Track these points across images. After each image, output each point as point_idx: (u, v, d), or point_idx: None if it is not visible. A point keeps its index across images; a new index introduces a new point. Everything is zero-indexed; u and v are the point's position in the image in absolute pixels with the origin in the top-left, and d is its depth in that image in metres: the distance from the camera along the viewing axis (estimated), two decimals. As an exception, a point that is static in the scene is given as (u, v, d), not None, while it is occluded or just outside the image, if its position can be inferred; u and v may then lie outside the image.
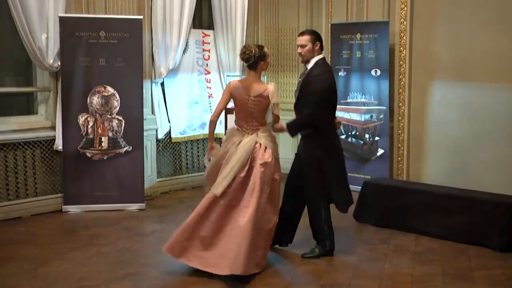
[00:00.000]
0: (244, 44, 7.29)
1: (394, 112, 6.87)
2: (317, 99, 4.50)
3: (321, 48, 4.64)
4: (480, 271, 4.39)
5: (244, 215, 4.19)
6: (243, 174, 4.30)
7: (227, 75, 7.37)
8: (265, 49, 4.45)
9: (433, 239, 5.13)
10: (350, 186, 4.82)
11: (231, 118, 5.53)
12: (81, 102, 5.99)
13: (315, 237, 4.75)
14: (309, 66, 4.61)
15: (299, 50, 4.62)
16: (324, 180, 4.58)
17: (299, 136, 4.79)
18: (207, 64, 7.48)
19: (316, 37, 4.61)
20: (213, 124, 4.48)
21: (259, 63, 4.40)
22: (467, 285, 4.13)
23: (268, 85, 4.40)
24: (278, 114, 4.45)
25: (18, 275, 4.25)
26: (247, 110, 4.40)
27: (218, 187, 4.27)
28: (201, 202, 4.31)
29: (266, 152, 4.37)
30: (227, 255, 4.12)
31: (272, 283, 4.15)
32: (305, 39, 4.59)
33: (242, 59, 4.43)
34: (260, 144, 4.38)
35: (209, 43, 7.46)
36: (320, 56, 4.62)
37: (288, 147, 7.59)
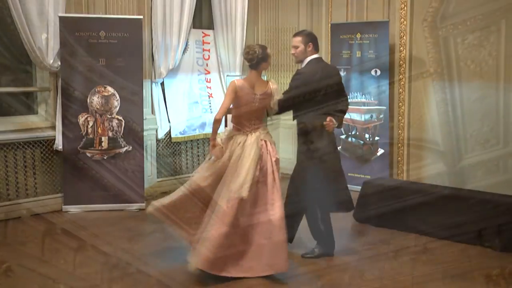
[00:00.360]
0: (244, 44, 7.30)
1: (394, 112, 6.87)
2: (286, 94, 4.56)
3: (315, 49, 4.63)
4: (480, 271, 4.39)
5: (274, 213, 4.19)
6: (257, 172, 4.28)
7: (227, 75, 7.36)
8: (268, 50, 4.45)
9: (433, 239, 5.13)
10: (350, 186, 4.81)
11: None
12: (81, 102, 5.99)
13: (314, 237, 4.75)
14: (302, 66, 4.65)
15: (292, 51, 4.66)
16: (312, 182, 4.57)
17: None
18: (207, 64, 7.47)
19: (308, 38, 4.61)
20: (217, 122, 4.40)
21: (261, 63, 4.41)
22: (467, 285, 4.13)
23: (269, 83, 4.44)
24: (277, 109, 4.52)
25: (17, 275, 4.25)
26: (252, 108, 4.39)
27: (242, 190, 4.14)
28: (227, 210, 4.13)
29: (273, 149, 4.40)
30: (264, 255, 4.13)
31: (272, 283, 4.14)
32: (297, 40, 4.61)
33: (245, 58, 4.44)
34: (266, 141, 4.39)
35: (209, 43, 7.46)
36: (314, 56, 4.62)
37: (288, 148, 7.60)
